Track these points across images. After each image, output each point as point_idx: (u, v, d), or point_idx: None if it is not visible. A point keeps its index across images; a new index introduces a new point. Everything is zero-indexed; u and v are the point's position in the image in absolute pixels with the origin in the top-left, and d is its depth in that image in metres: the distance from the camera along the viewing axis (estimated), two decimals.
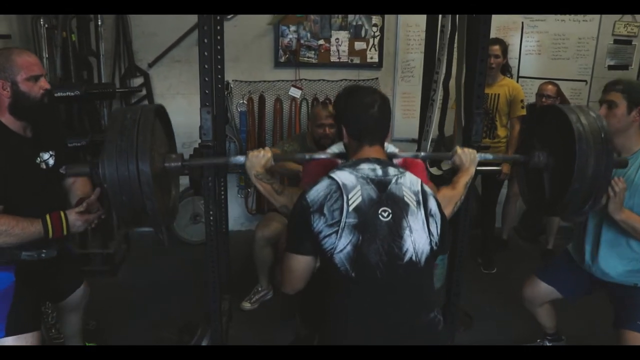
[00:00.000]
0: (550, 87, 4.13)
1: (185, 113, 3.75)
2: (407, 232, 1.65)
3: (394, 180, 1.70)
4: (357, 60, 4.62)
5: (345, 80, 4.65)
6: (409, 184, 1.72)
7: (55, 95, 3.07)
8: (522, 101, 4.02)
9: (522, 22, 4.82)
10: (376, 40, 4.61)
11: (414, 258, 1.65)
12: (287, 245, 1.73)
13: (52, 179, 2.11)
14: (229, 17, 4.40)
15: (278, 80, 4.63)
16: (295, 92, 4.63)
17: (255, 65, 4.58)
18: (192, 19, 4.33)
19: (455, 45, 2.67)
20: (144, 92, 4.41)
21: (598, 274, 2.55)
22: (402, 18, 4.59)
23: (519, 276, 3.14)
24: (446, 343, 1.76)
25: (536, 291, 2.83)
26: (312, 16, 4.49)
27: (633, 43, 5.06)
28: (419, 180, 1.76)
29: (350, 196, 1.63)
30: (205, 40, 2.20)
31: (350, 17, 4.52)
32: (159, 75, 4.46)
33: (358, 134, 1.81)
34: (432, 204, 1.73)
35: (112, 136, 1.78)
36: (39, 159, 2.13)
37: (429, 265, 1.71)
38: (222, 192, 2.81)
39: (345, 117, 1.84)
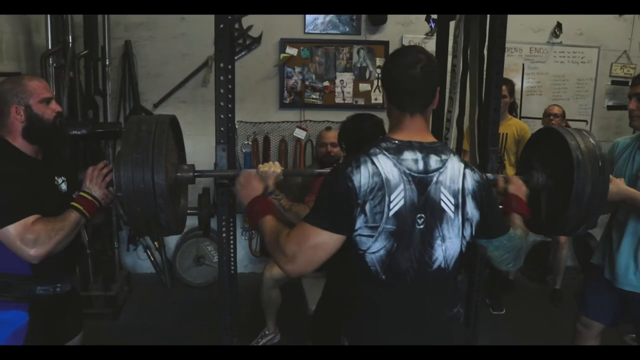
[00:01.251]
0: (556, 108, 4.39)
1: (191, 154, 3.69)
2: (438, 241, 1.59)
3: (434, 180, 1.57)
4: (361, 102, 4.65)
5: None
6: (448, 182, 1.58)
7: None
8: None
9: (523, 64, 4.89)
10: (380, 82, 4.65)
11: (442, 265, 1.62)
12: (311, 216, 1.57)
13: (65, 205, 2.07)
14: (235, 57, 4.43)
15: (283, 122, 4.65)
16: (300, 133, 4.64)
17: (261, 106, 4.60)
18: (197, 60, 4.43)
19: (467, 84, 2.68)
20: None
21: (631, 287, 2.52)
22: None
23: (529, 317, 3.10)
24: (466, 336, 1.77)
25: (589, 328, 2.77)
26: (317, 57, 4.54)
27: (630, 84, 5.12)
28: (462, 171, 1.61)
29: (392, 198, 1.52)
30: (222, 78, 2.20)
31: (355, 58, 4.58)
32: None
33: (398, 99, 1.62)
34: (470, 207, 1.61)
35: (127, 148, 1.81)
36: (55, 181, 2.09)
37: (457, 266, 1.67)
38: (232, 232, 2.76)
39: (386, 79, 1.65)
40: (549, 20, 4.84)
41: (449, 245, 1.61)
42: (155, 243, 4.44)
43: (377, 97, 4.68)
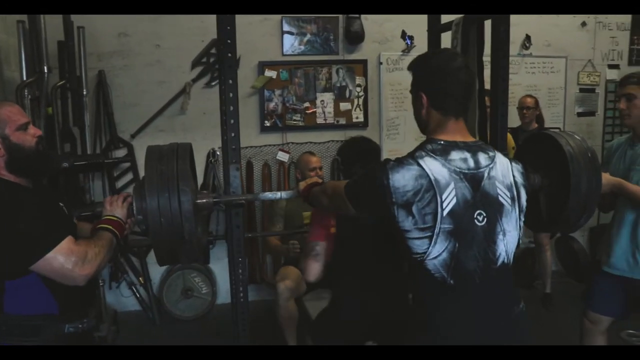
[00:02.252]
0: (529, 99, 4.53)
1: None
2: (500, 236, 1.58)
3: (486, 175, 1.55)
4: (342, 121, 4.63)
5: (333, 141, 4.63)
6: (501, 176, 1.58)
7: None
8: (513, 148, 4.08)
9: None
10: (360, 100, 4.65)
11: (505, 260, 1.60)
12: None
13: (74, 230, 1.95)
14: (212, 84, 4.37)
15: (265, 145, 4.57)
16: (283, 156, 4.56)
17: (241, 130, 4.42)
18: (174, 87, 4.33)
19: None
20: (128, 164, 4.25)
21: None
22: (385, 77, 4.66)
23: None
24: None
25: (597, 324, 2.81)
26: (296, 79, 4.51)
27: (596, 91, 5.32)
28: (509, 166, 1.63)
29: (444, 197, 1.49)
30: (231, 95, 2.13)
31: (334, 78, 4.57)
32: (142, 145, 4.25)
33: (443, 103, 1.60)
34: (523, 198, 1.66)
35: (151, 176, 1.83)
36: (60, 206, 1.96)
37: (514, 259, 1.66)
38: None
39: (427, 82, 1.61)
40: (518, 33, 4.95)
41: (509, 238, 1.60)
42: (140, 278, 4.26)
43: (358, 115, 4.67)
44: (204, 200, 2.00)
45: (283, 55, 4.51)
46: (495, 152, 1.63)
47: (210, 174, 4.44)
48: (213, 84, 4.36)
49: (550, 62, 5.12)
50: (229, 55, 2.15)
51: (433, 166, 1.51)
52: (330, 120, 4.62)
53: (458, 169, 1.53)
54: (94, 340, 2.17)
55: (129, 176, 4.24)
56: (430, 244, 1.50)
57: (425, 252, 1.51)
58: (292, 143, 4.59)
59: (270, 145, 4.58)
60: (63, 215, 1.94)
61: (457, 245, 1.51)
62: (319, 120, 4.60)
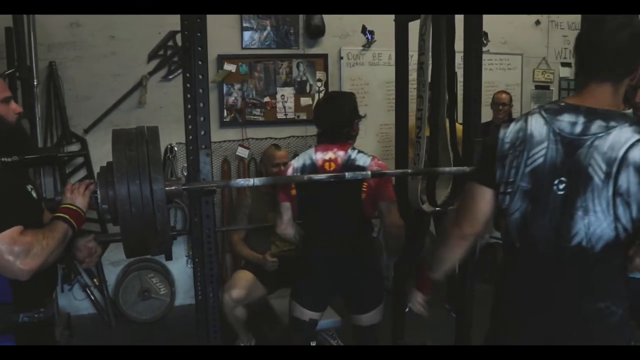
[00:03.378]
0: (504, 95, 4.63)
1: None
2: (580, 212, 1.40)
3: (589, 143, 1.40)
4: (303, 116, 4.56)
5: (293, 136, 4.56)
6: (606, 148, 1.38)
7: None
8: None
9: (456, 72, 5.01)
10: (321, 95, 4.58)
11: (584, 243, 1.42)
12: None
13: (40, 215, 1.83)
14: (170, 77, 4.23)
15: (224, 141, 4.45)
16: (243, 152, 4.46)
17: None
18: (130, 80, 4.17)
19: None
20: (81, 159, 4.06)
21: None
22: (346, 72, 4.63)
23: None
24: (621, 339, 1.51)
25: None
26: (256, 73, 4.42)
27: (550, 88, 5.44)
28: (631, 141, 1.37)
29: (531, 154, 1.45)
30: (201, 77, 2.04)
31: (295, 72, 4.50)
32: (96, 140, 4.10)
33: (589, 63, 1.47)
34: (628, 180, 1.36)
35: (120, 163, 1.73)
36: (27, 189, 1.83)
37: (611, 253, 1.43)
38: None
39: (582, 43, 1.48)
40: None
41: (592, 220, 1.40)
42: (95, 280, 4.07)
43: None
44: (173, 188, 1.90)
45: (242, 48, 4.41)
46: (626, 124, 1.39)
47: (168, 170, 4.29)
48: (171, 77, 4.23)
49: (507, 59, 5.20)
50: (200, 48, 2.02)
51: (536, 122, 1.49)
52: (290, 116, 4.54)
53: (558, 130, 1.44)
54: (54, 333, 2.02)
55: (82, 172, 4.04)
56: (510, 200, 1.50)
57: (506, 209, 1.51)
58: (252, 139, 4.49)
59: (229, 140, 4.46)
60: (28, 200, 1.79)
61: (530, 208, 1.48)
62: (280, 116, 4.52)
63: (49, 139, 3.99)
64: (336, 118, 2.53)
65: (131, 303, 4.15)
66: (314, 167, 2.42)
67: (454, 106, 2.69)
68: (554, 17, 5.34)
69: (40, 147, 3.54)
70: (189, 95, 2.27)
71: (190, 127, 2.47)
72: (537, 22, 5.28)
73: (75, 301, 4.21)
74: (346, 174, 2.07)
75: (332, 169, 2.41)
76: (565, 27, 5.41)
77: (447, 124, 2.68)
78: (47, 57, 3.96)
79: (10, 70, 3.39)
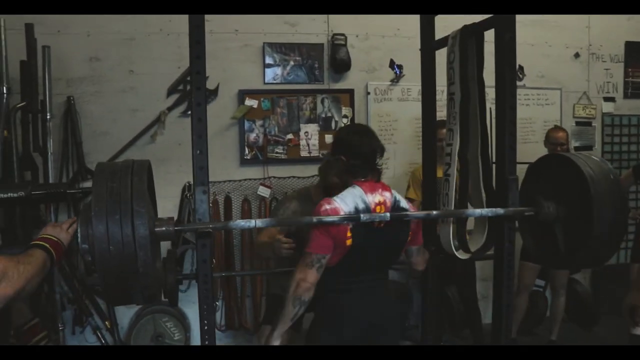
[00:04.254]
0: (561, 134, 4.11)
1: None
2: None
3: None
4: None
5: (317, 175, 4.32)
6: None
7: None
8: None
9: (490, 108, 4.75)
10: None
11: None
12: None
13: None
14: (189, 113, 4.08)
15: (245, 179, 4.26)
16: (265, 192, 4.25)
17: (220, 163, 4.20)
18: (149, 115, 4.05)
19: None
20: None
21: None
22: (373, 107, 4.42)
23: None
24: None
25: None
26: (279, 109, 4.25)
27: (593, 124, 5.12)
28: None
29: None
30: (200, 105, 1.84)
31: (319, 108, 4.32)
32: None
33: None
34: None
35: (100, 198, 1.55)
36: None
37: None
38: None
39: None
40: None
41: None
42: (107, 322, 3.87)
43: None
44: (163, 228, 1.69)
45: (265, 83, 4.26)
46: None
47: (186, 210, 4.12)
48: (190, 112, 4.08)
49: (544, 94, 4.92)
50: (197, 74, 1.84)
51: None
52: (315, 153, 4.34)
53: None
54: None
55: None
56: None
57: None
58: (274, 177, 4.30)
59: (250, 179, 4.27)
60: None
61: None
62: (303, 153, 4.32)
63: (65, 175, 3.88)
64: (376, 150, 2.29)
65: None
66: (368, 212, 2.08)
67: (486, 140, 2.43)
68: (594, 49, 5.07)
69: (50, 183, 3.40)
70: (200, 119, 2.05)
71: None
72: (577, 55, 5.00)
73: (86, 344, 4.01)
74: (362, 215, 1.82)
75: (382, 212, 2.11)
76: (607, 59, 5.13)
77: (480, 162, 2.42)
78: (66, 91, 3.89)
79: (21, 104, 3.29)
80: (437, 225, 3.19)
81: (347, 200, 2.07)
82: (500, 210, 2.05)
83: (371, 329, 2.21)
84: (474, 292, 4.09)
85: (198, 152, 1.79)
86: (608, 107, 5.15)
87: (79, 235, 1.61)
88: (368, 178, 2.22)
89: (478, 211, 2.06)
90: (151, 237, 1.60)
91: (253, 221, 1.78)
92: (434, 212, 2.10)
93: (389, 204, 2.15)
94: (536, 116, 4.88)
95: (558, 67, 4.93)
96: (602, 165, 2.05)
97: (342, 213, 2.02)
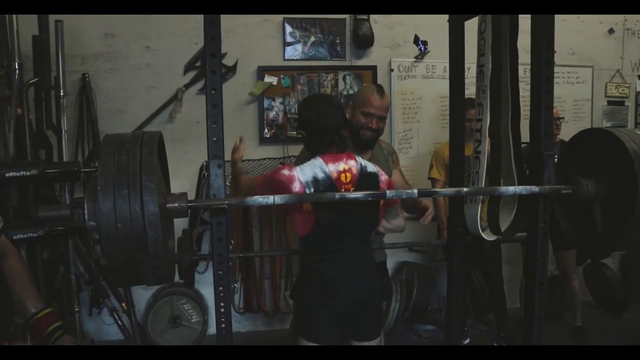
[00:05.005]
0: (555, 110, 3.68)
1: None
2: None
3: None
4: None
5: None
6: None
7: (7, 175, 2.58)
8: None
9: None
10: None
11: None
12: None
13: None
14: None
15: (264, 159, 4.15)
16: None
17: None
18: (166, 93, 3.94)
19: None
20: None
21: None
22: (397, 85, 4.26)
23: None
24: None
25: None
26: (299, 86, 4.11)
27: (626, 104, 4.90)
28: None
29: None
30: (215, 71, 1.72)
31: (341, 85, 4.17)
32: None
33: None
34: None
35: (106, 171, 1.44)
36: None
37: None
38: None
39: None
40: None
41: None
42: (123, 304, 3.80)
43: None
44: (175, 205, 1.58)
45: (285, 60, 4.12)
46: None
47: (203, 189, 4.02)
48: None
49: (575, 72, 4.71)
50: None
51: None
52: None
53: None
54: None
55: None
56: None
57: None
58: (294, 156, 4.16)
59: (270, 158, 4.15)
60: None
61: None
62: None
63: (80, 154, 3.81)
64: (340, 122, 2.16)
65: (160, 330, 3.88)
66: (329, 181, 2.05)
67: (517, 115, 2.28)
68: (630, 24, 4.82)
69: (63, 162, 3.32)
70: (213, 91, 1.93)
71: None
72: (611, 31, 4.77)
73: (104, 325, 3.97)
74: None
75: (348, 180, 2.08)
76: None
77: (511, 137, 2.27)
78: (81, 68, 3.80)
79: (34, 80, 3.20)
80: (464, 206, 3.07)
81: (306, 170, 2.06)
82: (535, 188, 1.90)
83: (355, 302, 2.16)
84: (500, 276, 3.94)
85: (212, 124, 1.68)
86: None
87: (86, 212, 1.50)
88: (332, 150, 2.14)
89: (512, 189, 1.92)
90: (162, 214, 1.49)
91: (272, 197, 1.66)
92: (465, 189, 1.95)
93: (354, 171, 2.10)
94: (566, 95, 4.68)
95: (590, 43, 4.71)
96: None
97: (296, 182, 2.00)
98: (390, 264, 4.40)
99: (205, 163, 4.01)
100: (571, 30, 4.61)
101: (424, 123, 4.34)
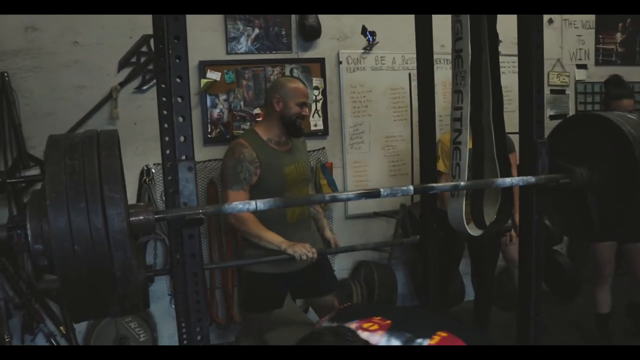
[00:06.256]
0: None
1: None
2: None
3: None
4: None
5: None
6: None
7: None
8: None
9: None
10: (319, 105, 4.04)
11: None
12: None
13: None
14: (144, 88, 3.66)
15: (209, 160, 3.87)
16: None
17: None
18: (98, 92, 3.59)
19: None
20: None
21: None
22: (346, 77, 4.09)
23: None
24: None
25: None
26: (244, 81, 3.86)
27: (566, 92, 4.96)
28: None
29: None
30: (178, 61, 1.47)
31: None
32: None
33: None
34: None
35: (55, 181, 1.17)
36: None
37: None
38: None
39: None
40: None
41: None
42: (61, 328, 3.43)
43: (317, 122, 4.06)
44: (141, 217, 1.32)
45: (228, 54, 3.85)
46: None
47: (145, 197, 3.70)
48: (145, 88, 3.65)
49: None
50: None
51: None
52: None
53: None
54: None
55: None
56: None
57: None
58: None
59: (215, 159, 3.88)
60: None
61: None
62: None
63: (2, 163, 3.40)
64: None
65: None
66: None
67: (500, 102, 2.16)
68: (567, 15, 4.89)
69: None
70: (165, 112, 1.72)
71: (167, 139, 1.91)
72: (550, 21, 4.80)
73: None
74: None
75: None
76: (580, 26, 4.96)
77: (492, 126, 2.15)
78: None
79: None
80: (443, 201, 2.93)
81: None
82: (531, 179, 1.78)
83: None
84: (492, 275, 3.88)
85: (181, 119, 1.42)
86: (581, 75, 4.99)
87: (29, 232, 1.22)
88: None
89: (509, 180, 1.78)
90: (128, 229, 1.23)
91: (253, 202, 1.43)
92: (462, 184, 1.79)
93: None
94: (512, 84, 4.62)
95: None
96: (636, 120, 1.82)
97: None
98: (348, 264, 4.25)
99: (145, 167, 3.70)
100: (513, 21, 4.57)
101: (375, 117, 4.19)
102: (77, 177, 1.17)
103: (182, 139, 1.46)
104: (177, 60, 1.44)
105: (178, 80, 1.45)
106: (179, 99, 1.44)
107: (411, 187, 1.57)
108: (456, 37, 2.17)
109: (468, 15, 2.10)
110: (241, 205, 1.43)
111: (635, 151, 1.71)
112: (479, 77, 2.10)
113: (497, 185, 1.82)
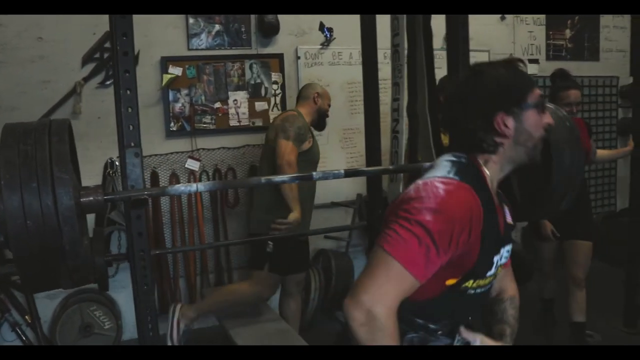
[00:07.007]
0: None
1: None
2: None
3: None
4: (259, 123, 4.14)
5: (249, 145, 4.14)
6: None
7: None
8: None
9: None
10: (278, 99, 4.19)
11: None
12: None
13: None
14: (107, 83, 3.76)
15: (172, 153, 3.99)
16: (193, 164, 4.00)
17: (143, 137, 3.80)
18: (62, 87, 3.68)
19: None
20: None
21: None
22: (304, 72, 4.24)
23: None
24: None
25: None
26: (205, 76, 3.99)
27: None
28: None
29: None
30: (126, 54, 1.60)
31: (248, 74, 4.09)
32: None
33: None
34: None
35: (10, 164, 1.29)
36: None
37: None
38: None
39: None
40: (439, 27, 4.71)
41: None
42: (27, 317, 3.52)
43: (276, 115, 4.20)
44: (90, 198, 1.46)
45: (189, 49, 3.98)
46: None
47: (109, 187, 3.81)
48: (108, 83, 3.76)
49: (473, 57, 4.85)
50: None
51: None
52: (245, 122, 4.12)
53: None
54: None
55: None
56: None
57: None
58: (203, 149, 4.05)
59: (178, 152, 4.00)
60: None
61: None
62: (233, 122, 4.09)
63: None
64: None
65: (71, 341, 3.62)
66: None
67: (434, 92, 2.33)
68: None
69: None
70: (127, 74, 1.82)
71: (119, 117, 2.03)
72: (503, 17, 5.03)
73: (4, 343, 3.65)
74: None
75: None
76: (531, 22, 5.20)
77: (428, 115, 2.32)
78: None
79: None
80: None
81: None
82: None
83: None
84: None
85: (128, 109, 1.56)
86: (533, 69, 5.20)
87: None
88: None
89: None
90: (77, 209, 1.37)
91: (194, 185, 1.58)
92: (391, 167, 1.96)
93: None
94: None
95: (486, 29, 4.93)
96: (556, 112, 1.99)
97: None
98: None
99: (109, 160, 3.80)
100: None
101: (332, 110, 4.32)
102: (29, 161, 1.30)
103: (130, 127, 1.60)
104: (125, 56, 1.57)
105: (126, 74, 1.59)
106: (128, 92, 1.58)
107: (342, 171, 1.73)
108: (394, 32, 2.34)
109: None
110: (183, 187, 1.58)
111: (550, 138, 1.90)
112: (415, 69, 2.26)
113: (425, 169, 1.99)
